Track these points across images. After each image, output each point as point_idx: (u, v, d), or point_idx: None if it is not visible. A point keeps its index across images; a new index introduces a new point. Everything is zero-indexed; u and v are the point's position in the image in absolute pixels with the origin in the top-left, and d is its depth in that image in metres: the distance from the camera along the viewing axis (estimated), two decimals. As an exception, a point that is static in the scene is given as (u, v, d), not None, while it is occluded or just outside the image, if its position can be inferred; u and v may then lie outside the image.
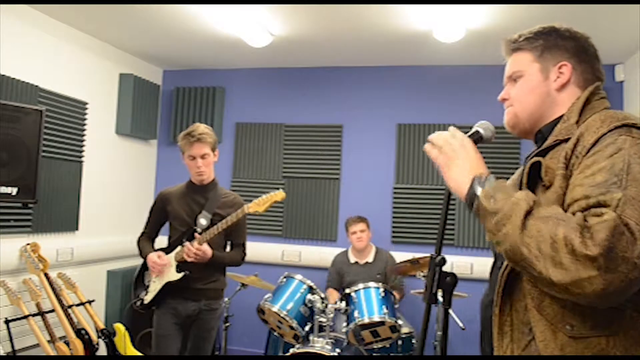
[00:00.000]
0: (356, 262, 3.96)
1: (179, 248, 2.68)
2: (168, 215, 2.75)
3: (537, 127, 1.25)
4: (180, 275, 2.64)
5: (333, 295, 3.93)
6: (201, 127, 2.65)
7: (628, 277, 0.87)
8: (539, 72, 1.24)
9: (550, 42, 1.24)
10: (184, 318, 2.69)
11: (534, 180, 1.12)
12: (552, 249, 0.90)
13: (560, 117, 1.19)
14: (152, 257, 2.67)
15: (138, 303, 2.80)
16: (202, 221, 2.66)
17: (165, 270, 2.68)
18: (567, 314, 1.01)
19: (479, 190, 1.06)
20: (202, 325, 2.73)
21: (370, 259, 3.95)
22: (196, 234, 2.63)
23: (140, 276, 2.95)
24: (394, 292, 3.76)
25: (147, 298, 2.74)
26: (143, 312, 2.81)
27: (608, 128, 1.02)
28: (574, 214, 0.95)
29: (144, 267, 2.90)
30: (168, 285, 2.66)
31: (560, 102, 1.21)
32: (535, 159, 1.13)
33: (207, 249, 2.58)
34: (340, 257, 4.07)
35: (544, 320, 1.04)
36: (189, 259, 2.59)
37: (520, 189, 1.12)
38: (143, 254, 2.77)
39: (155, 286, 2.72)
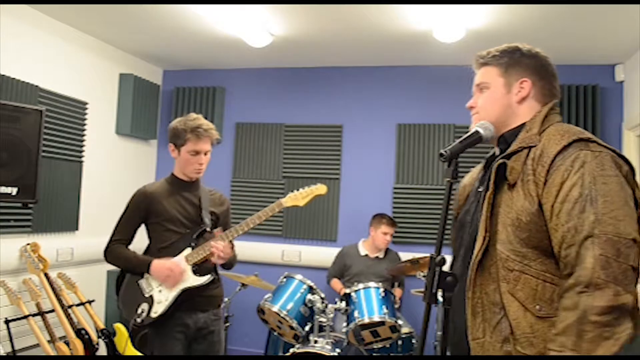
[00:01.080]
0: (366, 255, 3.96)
1: (187, 250, 2.39)
2: (152, 216, 2.41)
3: (499, 133, 1.43)
4: (204, 278, 2.36)
5: (337, 285, 3.93)
6: (206, 121, 2.44)
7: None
8: (503, 86, 1.42)
9: (514, 59, 1.42)
10: (194, 332, 2.42)
11: (500, 179, 1.31)
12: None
13: (522, 125, 1.38)
14: (166, 264, 2.32)
15: (140, 319, 2.33)
16: (207, 220, 2.45)
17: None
18: (537, 297, 1.19)
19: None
20: (213, 337, 2.48)
21: (381, 254, 3.96)
22: (217, 232, 2.41)
23: (129, 289, 2.44)
24: (396, 289, 3.78)
25: (158, 310, 2.33)
26: (144, 330, 2.41)
27: (568, 141, 1.21)
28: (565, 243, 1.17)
29: (127, 276, 2.47)
30: (182, 294, 2.35)
31: (520, 113, 1.40)
32: (501, 161, 1.30)
33: (230, 247, 2.39)
34: (348, 249, 4.07)
35: (517, 302, 1.20)
36: (220, 261, 2.36)
37: (488, 186, 1.33)
38: (133, 262, 2.38)
39: (165, 295, 2.35)
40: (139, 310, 2.33)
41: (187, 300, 2.35)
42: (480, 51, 1.51)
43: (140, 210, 2.42)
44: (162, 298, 2.35)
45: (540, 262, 1.21)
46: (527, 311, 1.19)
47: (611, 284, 1.06)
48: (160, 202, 2.41)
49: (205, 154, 2.43)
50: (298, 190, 2.50)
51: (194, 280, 2.36)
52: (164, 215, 2.40)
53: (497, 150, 1.48)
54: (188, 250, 2.39)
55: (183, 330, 2.37)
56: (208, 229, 2.45)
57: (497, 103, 1.42)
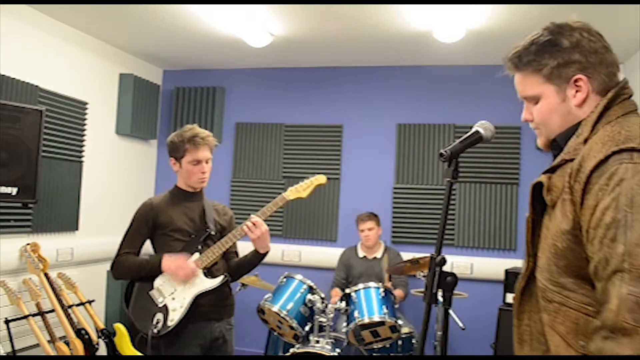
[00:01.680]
0: (364, 257, 3.99)
1: (195, 255, 2.35)
2: (159, 228, 2.39)
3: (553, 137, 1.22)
4: (217, 281, 2.33)
5: (336, 296, 3.92)
6: (201, 129, 2.44)
7: None
8: (555, 94, 1.18)
9: (556, 59, 1.16)
10: (210, 342, 2.37)
11: (539, 199, 1.13)
12: None
13: (578, 124, 1.15)
14: (173, 257, 2.29)
15: (157, 330, 2.25)
16: (211, 225, 2.44)
17: (189, 282, 2.32)
18: (579, 332, 1.03)
19: None
20: (227, 348, 2.44)
21: (379, 254, 3.97)
22: (252, 215, 2.38)
23: (140, 300, 2.38)
24: (398, 290, 3.77)
25: (174, 318, 2.26)
26: (158, 342, 2.30)
27: (606, 153, 1.00)
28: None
29: (136, 286, 2.42)
30: (196, 300, 2.30)
31: (581, 114, 1.16)
32: (539, 179, 1.13)
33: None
34: (348, 252, 4.12)
35: (558, 336, 1.07)
36: (257, 234, 2.34)
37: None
38: (147, 266, 2.33)
39: (180, 302, 2.30)
40: (155, 321, 2.27)
41: (201, 309, 2.31)
42: (510, 52, 1.27)
43: (148, 222, 2.39)
44: (176, 305, 2.30)
45: (581, 294, 1.05)
46: (569, 347, 1.05)
47: (639, 329, 0.89)
48: (166, 214, 2.40)
49: (207, 162, 2.44)
50: (298, 183, 2.51)
51: (207, 284, 2.33)
52: (170, 226, 2.39)
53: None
54: (196, 255, 2.37)
55: (199, 342, 2.33)
56: (213, 233, 2.44)
57: (555, 113, 1.18)
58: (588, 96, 1.14)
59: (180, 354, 2.30)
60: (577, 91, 1.15)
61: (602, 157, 1.00)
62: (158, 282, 2.35)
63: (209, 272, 2.38)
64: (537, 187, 1.13)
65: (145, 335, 2.27)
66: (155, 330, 2.25)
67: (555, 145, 1.21)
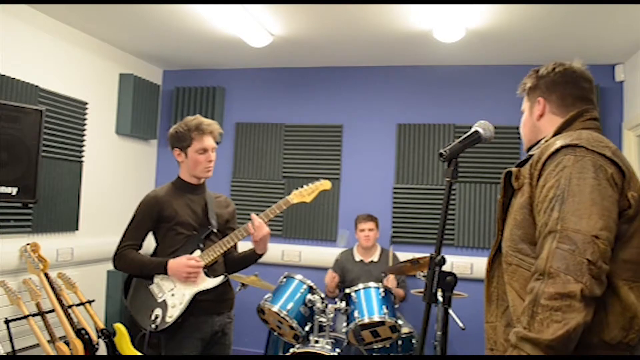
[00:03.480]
0: (361, 261, 3.96)
1: (197, 252, 2.36)
2: (164, 221, 2.38)
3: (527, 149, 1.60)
4: (218, 280, 2.35)
5: (332, 278, 3.86)
6: (206, 118, 2.42)
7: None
8: (528, 110, 1.59)
9: (532, 83, 1.57)
10: (210, 336, 2.39)
11: (508, 186, 1.44)
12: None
13: (543, 138, 1.50)
14: (184, 262, 2.29)
15: (154, 325, 2.25)
16: (213, 222, 2.45)
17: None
18: (527, 286, 1.28)
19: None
20: (226, 340, 2.47)
21: (375, 258, 3.96)
22: (253, 215, 2.40)
23: (139, 294, 2.38)
24: (398, 290, 3.76)
25: (173, 314, 2.28)
26: (159, 336, 2.33)
27: (557, 147, 1.31)
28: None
29: (134, 281, 2.42)
30: (196, 296, 2.31)
31: (541, 128, 1.52)
32: (509, 169, 1.43)
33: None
34: (344, 255, 4.07)
35: (514, 291, 1.35)
36: (259, 236, 2.37)
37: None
38: (150, 266, 2.33)
39: (179, 299, 2.30)
40: (153, 317, 2.27)
41: (202, 304, 2.32)
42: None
43: (152, 215, 2.38)
44: (176, 302, 2.30)
45: (532, 257, 1.32)
46: (521, 299, 1.31)
47: (562, 273, 1.17)
48: (171, 206, 2.38)
49: (212, 150, 2.42)
50: (302, 187, 2.51)
51: (207, 283, 2.34)
52: (175, 219, 2.37)
53: None
54: (197, 253, 2.37)
55: (200, 335, 2.34)
56: (215, 230, 2.44)
57: (526, 125, 1.60)
58: (544, 114, 1.51)
59: (181, 347, 2.30)
60: (537, 110, 1.53)
61: (554, 150, 1.31)
62: (158, 276, 2.35)
63: (210, 271, 2.38)
64: (508, 175, 1.43)
65: (144, 330, 2.27)
66: (153, 326, 2.26)
67: (529, 152, 1.54)
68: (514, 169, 1.41)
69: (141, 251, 2.41)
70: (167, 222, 2.38)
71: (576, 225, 1.20)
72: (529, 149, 1.56)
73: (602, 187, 1.24)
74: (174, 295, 2.31)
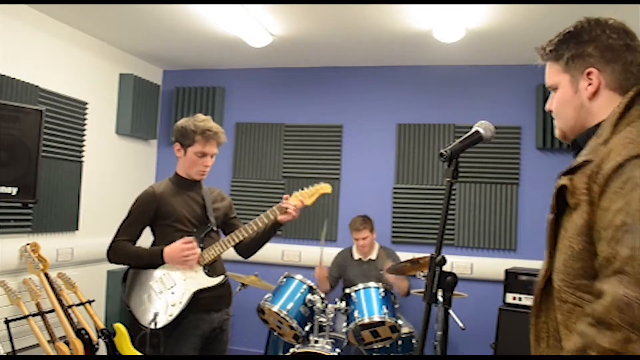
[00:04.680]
0: (359, 259, 3.96)
1: (197, 251, 2.36)
2: (161, 218, 2.37)
3: (574, 137, 1.25)
4: (218, 279, 2.35)
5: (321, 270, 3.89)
6: (214, 123, 2.43)
7: None
8: (569, 85, 1.22)
9: (572, 50, 1.22)
10: (209, 332, 2.40)
11: (562, 201, 1.13)
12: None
13: (597, 125, 1.16)
14: (178, 245, 2.27)
15: (153, 323, 2.25)
16: (212, 219, 2.46)
17: (189, 278, 2.33)
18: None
19: None
20: (223, 337, 2.49)
21: (373, 256, 3.95)
22: (286, 196, 2.42)
23: (137, 291, 2.36)
24: (401, 282, 3.75)
25: (173, 312, 2.27)
26: (158, 333, 2.30)
27: (625, 157, 1.01)
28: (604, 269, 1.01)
29: (132, 278, 2.40)
30: (195, 294, 2.31)
31: (595, 110, 1.19)
32: (562, 182, 1.13)
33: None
34: (342, 254, 4.06)
35: (571, 335, 1.08)
36: (289, 216, 2.39)
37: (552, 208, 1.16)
38: (145, 256, 2.32)
39: (178, 297, 2.29)
40: (152, 315, 2.26)
41: (201, 301, 2.32)
42: (542, 43, 1.32)
43: (150, 211, 2.37)
44: (175, 300, 2.29)
45: (595, 295, 1.06)
46: None
47: (624, 328, 0.93)
48: (169, 203, 2.37)
49: (212, 156, 2.43)
50: (303, 189, 2.51)
51: (207, 282, 2.34)
52: (174, 216, 2.37)
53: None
54: (197, 251, 2.36)
55: (199, 332, 2.35)
56: (214, 228, 2.45)
57: (569, 105, 1.23)
58: (599, 90, 1.17)
59: (180, 345, 2.30)
60: (589, 84, 1.18)
61: (621, 161, 1.01)
62: (158, 274, 2.34)
63: (210, 270, 2.38)
64: (562, 190, 1.12)
65: (144, 328, 2.27)
66: (152, 324, 2.26)
67: (575, 145, 1.24)
68: (567, 182, 1.11)
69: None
70: (165, 218, 2.37)
71: None
72: (574, 141, 1.25)
73: None
74: (174, 293, 2.31)
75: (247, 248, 2.58)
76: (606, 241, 1.00)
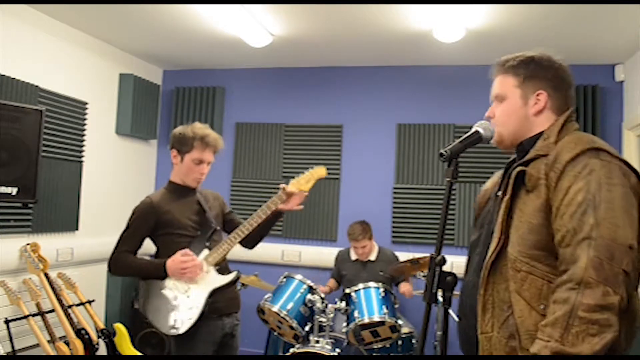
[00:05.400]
0: (357, 260, 3.95)
1: (204, 252, 2.35)
2: (162, 227, 2.35)
3: (518, 142, 1.48)
4: (231, 276, 2.33)
5: (330, 283, 3.97)
6: (212, 131, 2.43)
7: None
8: (520, 98, 1.45)
9: (531, 71, 1.44)
10: (221, 337, 2.38)
11: (518, 185, 1.36)
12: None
13: (540, 133, 1.42)
14: (177, 257, 2.25)
15: (174, 330, 2.21)
16: (213, 220, 2.45)
17: (199, 277, 2.30)
18: (541, 296, 1.25)
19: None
20: (234, 342, 2.47)
21: (372, 257, 3.94)
22: (282, 185, 2.43)
23: (153, 300, 2.32)
24: (405, 282, 3.76)
25: (192, 316, 2.24)
26: (156, 340, 2.31)
27: (580, 149, 1.27)
28: (563, 240, 1.24)
29: (145, 287, 2.37)
30: (212, 296, 2.30)
31: (537, 124, 1.44)
32: (520, 168, 1.35)
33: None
34: (342, 254, 4.06)
35: (523, 301, 1.27)
36: (290, 205, 2.42)
37: (505, 191, 1.38)
38: (148, 268, 2.30)
39: (196, 300, 2.27)
40: (172, 321, 2.23)
41: (213, 305, 2.30)
42: (499, 58, 1.52)
43: (149, 221, 2.34)
44: (192, 304, 2.27)
45: (546, 264, 1.27)
46: (532, 310, 1.25)
47: (601, 284, 1.13)
48: (169, 211, 2.36)
49: (208, 164, 2.43)
50: (299, 175, 2.51)
51: (221, 280, 2.33)
52: (175, 225, 2.35)
53: (515, 157, 1.54)
54: (205, 252, 2.36)
55: (211, 339, 2.33)
56: (217, 228, 2.45)
57: (514, 115, 1.46)
58: (543, 110, 1.43)
59: (194, 352, 2.28)
60: (535, 103, 1.43)
61: (577, 152, 1.27)
62: (170, 280, 2.32)
63: (221, 268, 2.38)
64: (520, 175, 1.34)
65: (165, 337, 2.25)
66: (173, 330, 2.22)
67: (521, 147, 1.47)
68: (526, 168, 1.34)
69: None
70: (166, 227, 2.35)
71: (612, 234, 1.16)
72: (520, 144, 1.47)
73: (629, 195, 1.23)
74: (189, 297, 2.28)
75: (250, 240, 2.55)
76: (569, 215, 1.22)
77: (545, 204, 1.28)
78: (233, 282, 2.36)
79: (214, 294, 2.30)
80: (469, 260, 1.58)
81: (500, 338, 1.30)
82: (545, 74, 1.43)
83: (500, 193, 1.48)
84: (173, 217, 2.36)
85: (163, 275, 2.29)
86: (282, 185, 2.45)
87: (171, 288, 2.31)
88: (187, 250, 2.29)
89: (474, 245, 1.55)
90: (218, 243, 2.39)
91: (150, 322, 2.32)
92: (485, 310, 1.35)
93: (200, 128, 2.40)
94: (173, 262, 2.27)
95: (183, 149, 2.39)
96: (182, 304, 2.27)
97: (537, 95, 1.43)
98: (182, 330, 2.23)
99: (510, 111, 1.46)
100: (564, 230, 1.22)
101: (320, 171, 2.54)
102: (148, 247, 2.43)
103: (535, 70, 1.44)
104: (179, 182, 2.45)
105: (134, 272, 2.36)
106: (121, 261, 2.32)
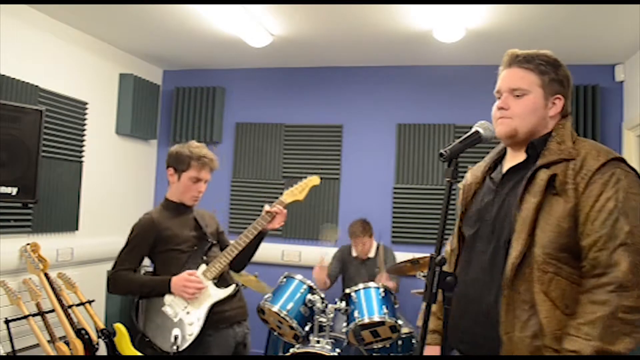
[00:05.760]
0: (357, 257, 3.96)
1: (202, 267, 2.37)
2: (162, 244, 2.36)
3: (530, 140, 1.49)
4: (230, 289, 2.35)
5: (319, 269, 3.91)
6: (209, 151, 2.45)
7: None
8: (543, 98, 1.47)
9: (552, 74, 1.47)
10: (234, 347, 2.38)
11: (548, 188, 1.38)
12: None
13: (547, 134, 1.47)
14: (184, 276, 2.27)
15: (176, 346, 2.18)
16: (209, 234, 2.47)
17: (200, 295, 2.31)
18: (565, 297, 1.32)
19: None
20: (245, 351, 2.46)
21: (371, 254, 3.95)
22: (266, 207, 2.45)
23: (153, 317, 2.33)
24: (389, 284, 3.73)
25: (193, 331, 2.24)
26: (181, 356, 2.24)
27: (605, 159, 1.36)
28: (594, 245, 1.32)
29: (144, 305, 2.38)
30: (213, 309, 2.30)
31: (549, 125, 1.49)
32: (552, 172, 1.38)
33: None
34: (342, 250, 4.07)
35: (549, 302, 1.32)
36: (278, 225, 2.45)
37: (524, 191, 1.40)
38: (151, 285, 2.32)
39: (195, 315, 2.28)
40: (172, 338, 2.19)
41: (219, 315, 2.30)
42: (517, 50, 1.53)
43: (149, 238, 2.35)
44: (192, 319, 2.28)
45: (571, 266, 1.34)
46: (557, 309, 1.32)
47: (636, 288, 1.24)
48: (169, 228, 2.37)
49: (205, 182, 2.45)
50: (292, 186, 2.54)
51: (220, 294, 2.34)
52: (175, 241, 2.37)
53: (520, 155, 1.52)
54: (203, 267, 2.37)
55: (225, 350, 2.34)
56: (214, 242, 2.46)
57: (535, 113, 1.47)
58: (557, 114, 1.48)
59: None
60: (552, 106, 1.48)
61: (604, 161, 1.35)
62: (169, 297, 2.32)
63: (220, 281, 2.38)
64: (552, 178, 1.37)
65: (167, 354, 2.24)
66: (174, 347, 2.20)
67: (532, 146, 1.48)
68: (554, 172, 1.38)
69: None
70: (166, 243, 2.36)
71: None
72: (531, 143, 1.48)
73: None
74: (189, 313, 2.29)
75: (238, 262, 2.55)
76: (600, 221, 1.30)
77: (575, 208, 1.34)
78: (232, 296, 2.36)
79: (216, 305, 2.31)
80: (460, 255, 1.61)
81: (523, 338, 1.34)
82: (566, 81, 1.49)
83: (506, 189, 1.50)
84: (173, 233, 2.37)
85: (166, 291, 2.30)
86: (265, 208, 2.47)
87: (170, 304, 2.31)
88: (194, 271, 2.32)
89: (472, 240, 1.55)
90: (214, 258, 2.40)
91: (151, 340, 2.32)
92: (508, 311, 1.38)
93: (197, 147, 2.43)
94: (178, 279, 2.28)
95: (180, 168, 2.41)
96: (182, 320, 2.28)
97: (556, 98, 1.48)
98: (182, 347, 2.22)
99: (533, 108, 1.47)
100: (595, 235, 1.31)
101: (314, 180, 2.56)
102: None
103: (559, 75, 1.48)
104: (175, 200, 2.46)
105: (135, 288, 2.36)
106: (122, 278, 2.33)
